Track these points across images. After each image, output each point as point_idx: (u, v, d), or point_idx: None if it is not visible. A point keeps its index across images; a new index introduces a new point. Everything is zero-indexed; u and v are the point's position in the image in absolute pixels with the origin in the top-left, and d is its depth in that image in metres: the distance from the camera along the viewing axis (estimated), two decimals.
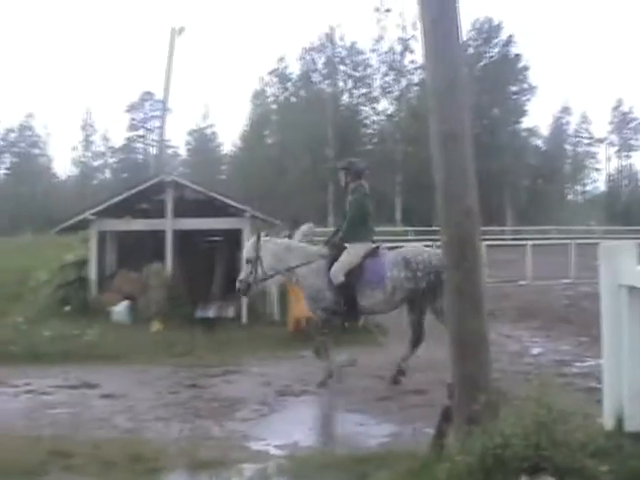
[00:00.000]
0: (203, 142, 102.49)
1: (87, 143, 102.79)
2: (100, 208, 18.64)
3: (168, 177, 18.95)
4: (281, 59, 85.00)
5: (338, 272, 11.94)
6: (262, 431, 9.63)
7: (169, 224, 18.39)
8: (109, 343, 15.00)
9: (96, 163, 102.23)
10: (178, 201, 18.73)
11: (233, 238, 19.36)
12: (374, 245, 12.42)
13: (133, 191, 18.91)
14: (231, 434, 9.46)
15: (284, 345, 15.19)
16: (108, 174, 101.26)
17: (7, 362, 13.71)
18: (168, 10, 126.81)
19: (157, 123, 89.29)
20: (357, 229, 12.16)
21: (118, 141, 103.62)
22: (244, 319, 17.65)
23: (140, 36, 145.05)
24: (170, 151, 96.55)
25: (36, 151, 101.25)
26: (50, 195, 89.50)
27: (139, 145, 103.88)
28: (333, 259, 12.15)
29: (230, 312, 17.83)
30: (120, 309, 17.59)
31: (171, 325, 16.51)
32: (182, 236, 19.01)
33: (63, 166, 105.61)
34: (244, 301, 17.43)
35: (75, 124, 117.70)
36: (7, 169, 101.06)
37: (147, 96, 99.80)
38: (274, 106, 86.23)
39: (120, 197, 18.75)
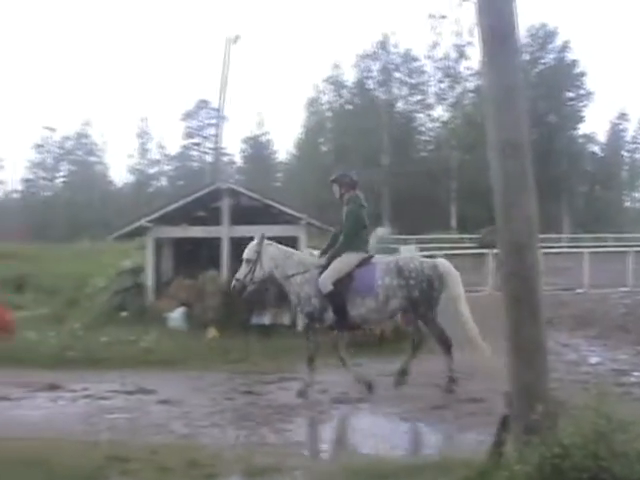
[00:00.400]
0: (258, 150, 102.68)
1: (143, 151, 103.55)
2: (157, 215, 18.78)
3: (224, 185, 19.03)
4: (336, 66, 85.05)
5: (327, 280, 12.01)
6: (318, 438, 9.63)
7: (225, 231, 18.46)
8: (165, 349, 15.09)
9: (152, 171, 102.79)
10: (234, 208, 18.80)
11: (289, 245, 19.37)
12: (366, 254, 12.37)
13: (189, 199, 19.02)
14: (287, 441, 9.48)
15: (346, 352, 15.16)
16: (164, 182, 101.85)
17: (65, 367, 13.90)
18: (223, 19, 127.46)
19: (212, 131, 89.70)
20: (352, 239, 12.22)
21: (174, 149, 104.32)
22: (299, 326, 17.66)
23: (196, 44, 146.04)
24: (225, 159, 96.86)
25: (93, 159, 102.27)
26: (106, 202, 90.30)
27: (194, 153, 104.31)
28: (325, 268, 12.22)
29: (285, 319, 17.86)
30: (176, 315, 17.69)
31: (226, 332, 16.56)
32: (237, 243, 19.07)
33: (119, 174, 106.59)
34: None
35: (131, 132, 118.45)
36: (64, 177, 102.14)
37: (202, 104, 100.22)
38: (329, 113, 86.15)
39: (177, 205, 18.86)
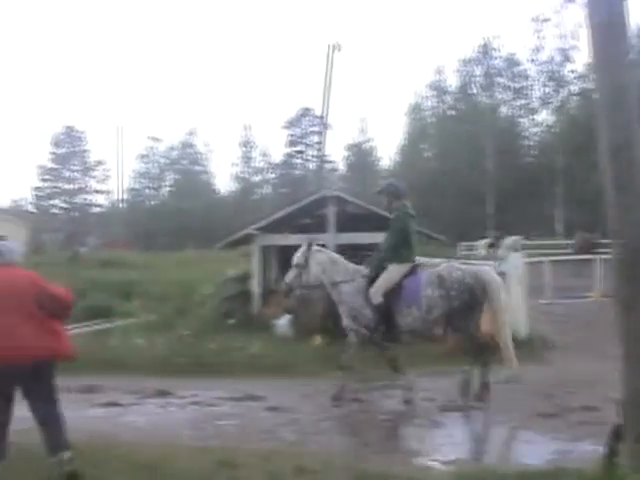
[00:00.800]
0: (361, 157, 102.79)
1: (247, 159, 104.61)
2: (263, 223, 18.89)
3: (330, 192, 19.03)
4: (438, 71, 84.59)
5: (377, 292, 12.04)
6: (426, 446, 9.54)
7: (331, 239, 18.44)
8: (272, 356, 15.14)
9: (256, 179, 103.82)
10: (339, 216, 18.79)
11: None
12: (413, 264, 12.29)
13: (295, 206, 19.08)
14: (395, 448, 9.42)
15: (445, 360, 14.99)
16: (267, 190, 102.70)
17: (174, 374, 14.06)
18: (326, 26, 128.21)
19: (315, 138, 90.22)
20: (398, 249, 12.15)
21: (277, 157, 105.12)
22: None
23: (299, 52, 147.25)
24: (329, 166, 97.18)
25: (197, 168, 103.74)
26: (211, 211, 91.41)
27: (297, 161, 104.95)
28: (373, 279, 12.22)
29: None
30: (283, 322, 17.76)
31: (333, 339, 16.54)
32: (342, 251, 19.05)
33: (224, 182, 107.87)
34: None
35: (235, 140, 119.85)
36: (170, 186, 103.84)
37: (305, 112, 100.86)
38: (432, 119, 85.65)
39: (283, 212, 18.93)
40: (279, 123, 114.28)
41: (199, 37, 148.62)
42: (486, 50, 78.86)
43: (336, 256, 13.15)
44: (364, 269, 12.54)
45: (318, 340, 16.69)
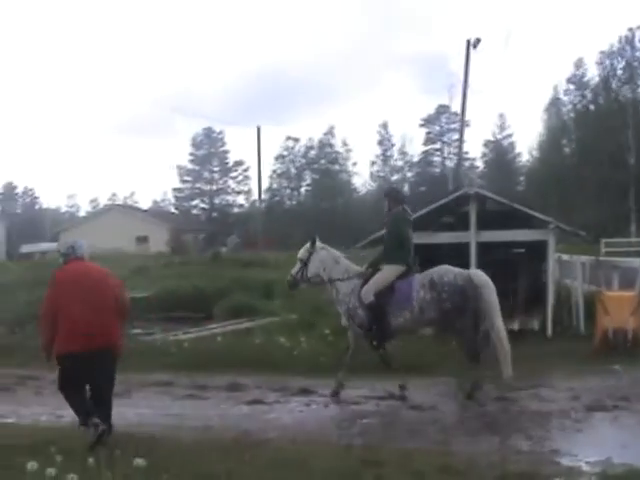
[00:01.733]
0: (500, 153, 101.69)
1: (385, 158, 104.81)
2: None
3: (471, 190, 18.81)
4: (578, 65, 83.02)
5: (368, 292, 12.49)
6: (573, 446, 9.35)
7: (473, 236, 18.26)
8: (412, 355, 15.05)
9: (394, 177, 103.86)
10: (480, 213, 18.57)
11: (537, 250, 19.02)
12: (407, 266, 12.61)
13: (437, 204, 18.96)
14: (541, 448, 9.25)
15: (591, 358, 14.68)
16: (406, 188, 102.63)
17: (317, 373, 14.13)
18: (462, 22, 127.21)
19: (454, 136, 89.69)
20: (393, 252, 12.64)
21: (415, 155, 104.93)
22: (549, 332, 17.28)
23: (435, 49, 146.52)
24: (467, 163, 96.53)
25: (336, 167, 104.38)
26: (350, 210, 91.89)
27: (436, 158, 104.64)
28: (367, 279, 12.70)
29: (535, 325, 17.55)
30: None
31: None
32: (483, 248, 18.84)
33: (362, 181, 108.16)
34: (549, 314, 17.22)
35: (373, 139, 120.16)
36: (308, 185, 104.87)
37: (443, 109, 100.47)
38: (571, 114, 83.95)
39: (425, 210, 18.79)
40: (416, 121, 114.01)
41: (333, 35, 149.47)
42: (629, 41, 76.76)
43: (339, 255, 13.63)
44: (364, 270, 13.06)
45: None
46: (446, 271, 12.48)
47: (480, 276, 12.45)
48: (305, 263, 13.44)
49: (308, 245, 13.53)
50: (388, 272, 12.56)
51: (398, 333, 13.07)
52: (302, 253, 13.56)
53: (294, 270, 13.53)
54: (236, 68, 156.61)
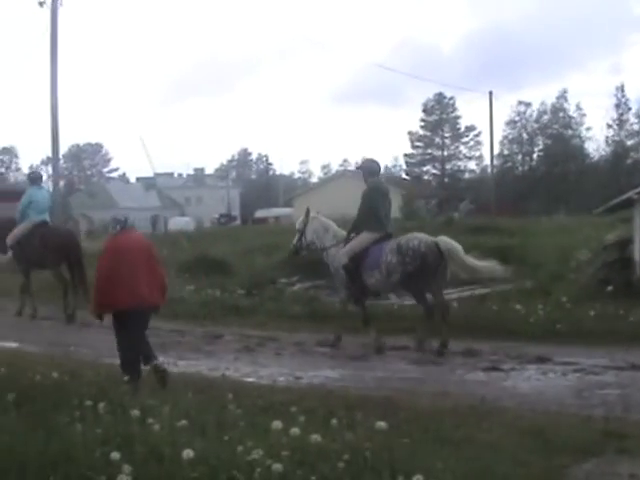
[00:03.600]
0: None
1: (620, 122, 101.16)
2: None
3: None
4: None
5: (345, 254, 14.17)
6: None
7: None
8: None
9: (630, 142, 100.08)
10: None
11: None
12: (383, 233, 14.15)
13: None
14: None
15: None
16: None
17: (552, 340, 13.91)
18: None
19: None
20: (366, 220, 14.20)
21: None
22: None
23: None
24: None
25: (569, 132, 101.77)
26: (583, 176, 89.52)
27: None
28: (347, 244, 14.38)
29: None
30: None
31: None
32: None
33: (595, 146, 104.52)
34: None
35: (608, 103, 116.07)
36: (540, 151, 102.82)
37: None
38: None
39: None
40: None
41: None
42: None
43: (329, 223, 15.19)
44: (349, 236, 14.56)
45: None
46: (413, 238, 13.96)
47: (446, 243, 13.82)
48: (302, 233, 15.16)
49: (303, 216, 15.34)
50: (363, 238, 14.16)
51: (373, 293, 14.96)
52: (299, 224, 15.45)
53: (294, 240, 15.41)
54: (468, 33, 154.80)
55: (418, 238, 13.89)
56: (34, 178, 20.32)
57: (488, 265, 14.33)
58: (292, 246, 15.62)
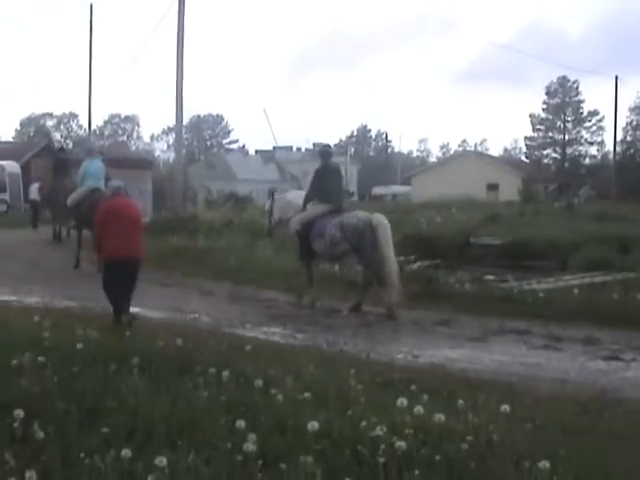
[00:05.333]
0: None
1: None
2: None
3: None
4: None
5: (296, 222, 16.74)
6: None
7: None
8: None
9: None
10: None
11: None
12: (332, 207, 16.37)
13: None
14: None
15: None
16: None
17: None
18: None
19: None
20: (316, 193, 16.67)
21: None
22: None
23: None
24: None
25: None
26: None
27: None
28: None
29: None
30: None
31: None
32: None
33: None
34: None
35: None
36: None
37: None
38: None
39: None
40: None
41: None
42: None
43: (290, 197, 18.17)
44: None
45: None
46: (353, 216, 16.14)
47: (378, 218, 15.81)
48: (271, 213, 18.29)
49: (270, 200, 18.68)
50: (314, 209, 16.59)
51: (319, 257, 16.98)
52: (267, 206, 19.21)
53: (266, 221, 19.06)
54: (595, 16, 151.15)
55: (357, 216, 16.13)
56: (89, 150, 24.44)
57: (394, 268, 15.60)
58: (266, 229, 19.32)
